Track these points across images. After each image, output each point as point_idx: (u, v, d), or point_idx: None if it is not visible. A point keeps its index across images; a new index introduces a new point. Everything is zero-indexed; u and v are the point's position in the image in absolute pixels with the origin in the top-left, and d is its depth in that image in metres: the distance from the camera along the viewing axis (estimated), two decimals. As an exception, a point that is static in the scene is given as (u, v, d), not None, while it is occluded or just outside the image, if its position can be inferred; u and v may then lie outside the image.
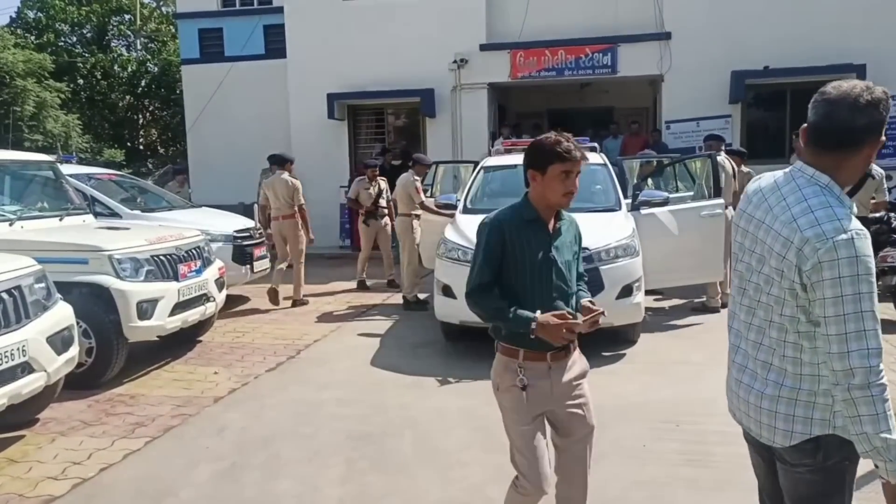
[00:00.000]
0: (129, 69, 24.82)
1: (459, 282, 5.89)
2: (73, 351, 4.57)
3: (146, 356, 6.19)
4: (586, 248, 5.68)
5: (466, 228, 6.28)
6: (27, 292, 4.19)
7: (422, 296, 8.23)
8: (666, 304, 8.01)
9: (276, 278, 8.44)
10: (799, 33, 11.51)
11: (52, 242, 5.34)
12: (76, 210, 6.58)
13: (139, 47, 26.37)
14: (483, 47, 12.89)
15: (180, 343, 6.57)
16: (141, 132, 26.10)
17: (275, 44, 14.76)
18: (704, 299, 7.51)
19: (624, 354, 5.96)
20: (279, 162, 8.57)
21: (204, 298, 6.28)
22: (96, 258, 5.35)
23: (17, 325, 4.04)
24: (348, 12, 13.51)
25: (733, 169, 7.50)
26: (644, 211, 6.76)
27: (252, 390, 5.35)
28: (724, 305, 7.58)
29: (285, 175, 8.45)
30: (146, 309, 5.48)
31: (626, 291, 5.77)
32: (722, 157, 7.39)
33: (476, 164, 8.59)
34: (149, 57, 25.63)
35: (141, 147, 25.52)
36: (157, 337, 6.25)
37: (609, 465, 3.72)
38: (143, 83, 24.86)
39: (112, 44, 25.70)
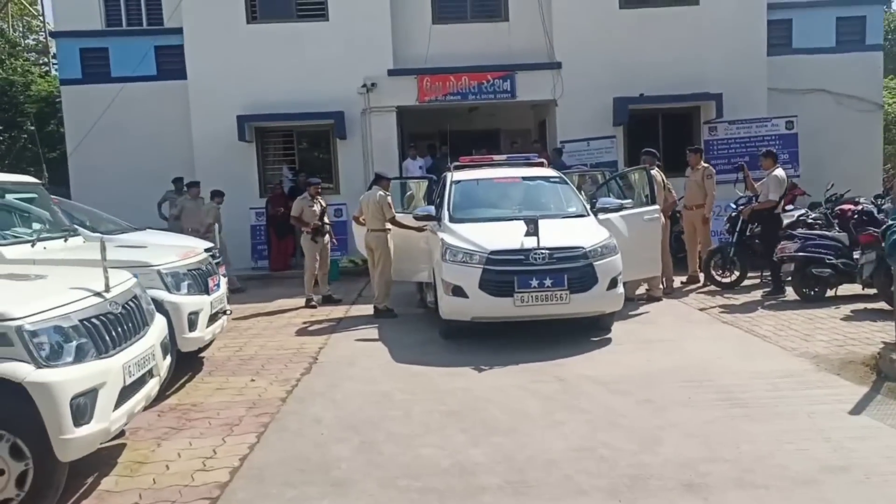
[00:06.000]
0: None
1: (470, 282, 6.64)
2: (170, 357, 4.74)
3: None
4: (581, 247, 6.68)
5: (466, 234, 7.01)
6: (143, 302, 4.37)
7: (389, 306, 8.75)
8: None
9: None
10: (666, 65, 13.43)
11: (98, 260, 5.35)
12: (71, 231, 6.48)
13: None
14: (391, 72, 13.65)
15: (186, 359, 6.62)
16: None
17: (169, 65, 14.55)
18: (647, 290, 8.76)
19: (610, 339, 6.94)
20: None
21: (222, 312, 6.48)
22: (146, 273, 5.45)
23: (145, 331, 4.22)
24: (253, 35, 13.75)
25: (662, 180, 8.88)
26: (601, 216, 7.84)
27: (307, 390, 5.67)
28: (666, 294, 8.90)
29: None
30: (193, 320, 5.66)
31: (613, 283, 6.77)
32: (655, 171, 8.73)
33: (429, 179, 9.39)
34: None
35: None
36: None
37: (672, 415, 4.65)
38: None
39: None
